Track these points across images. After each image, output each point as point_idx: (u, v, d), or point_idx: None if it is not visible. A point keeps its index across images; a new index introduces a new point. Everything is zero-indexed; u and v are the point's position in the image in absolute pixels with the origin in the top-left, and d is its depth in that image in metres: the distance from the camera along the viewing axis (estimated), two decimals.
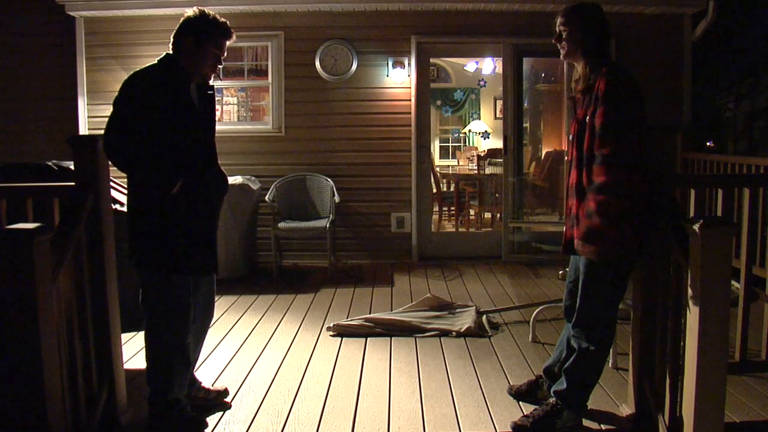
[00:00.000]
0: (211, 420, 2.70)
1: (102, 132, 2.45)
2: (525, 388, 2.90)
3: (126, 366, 2.94)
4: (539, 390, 2.86)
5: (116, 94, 2.44)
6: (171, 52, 2.56)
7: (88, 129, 5.90)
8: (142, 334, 3.60)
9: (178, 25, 2.58)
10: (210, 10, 2.57)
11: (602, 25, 2.52)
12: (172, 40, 2.57)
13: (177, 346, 2.57)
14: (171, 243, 2.47)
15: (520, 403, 2.83)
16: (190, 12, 2.57)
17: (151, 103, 2.41)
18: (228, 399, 2.90)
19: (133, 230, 2.51)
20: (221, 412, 2.77)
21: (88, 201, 2.47)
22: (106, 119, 2.45)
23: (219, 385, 2.97)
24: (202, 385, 2.89)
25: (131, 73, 2.49)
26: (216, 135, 2.70)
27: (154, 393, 2.57)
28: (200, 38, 2.52)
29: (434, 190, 7.23)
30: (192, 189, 2.51)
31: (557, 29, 2.64)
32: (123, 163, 2.44)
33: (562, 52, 2.65)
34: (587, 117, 2.39)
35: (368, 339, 3.73)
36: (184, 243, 2.51)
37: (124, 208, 3.10)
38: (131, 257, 2.53)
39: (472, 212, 7.50)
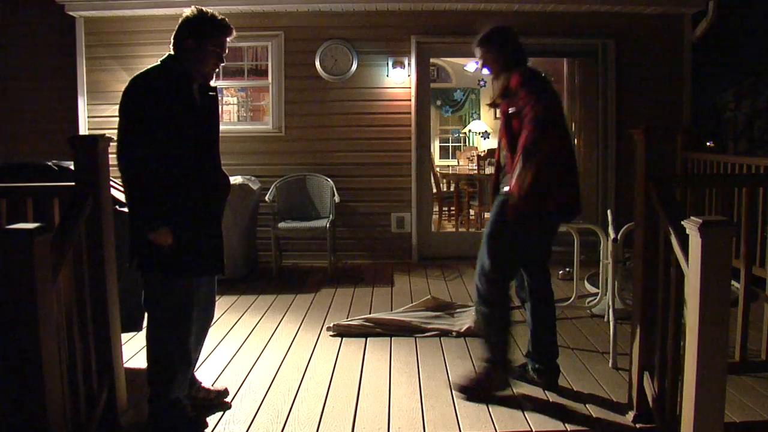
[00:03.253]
0: (211, 420, 2.70)
1: (116, 143, 2.42)
2: (519, 373, 3.12)
3: (126, 366, 2.94)
4: (527, 373, 3.10)
5: (122, 102, 2.41)
6: (172, 53, 2.55)
7: (88, 129, 5.90)
8: (142, 334, 3.61)
9: (177, 26, 2.58)
10: (208, 9, 2.57)
11: (514, 43, 2.97)
12: (172, 41, 2.57)
13: (179, 347, 2.57)
14: (174, 245, 2.46)
15: (521, 402, 2.83)
16: (188, 12, 2.56)
17: (158, 106, 2.40)
18: (228, 399, 2.90)
19: (135, 232, 2.49)
20: (221, 412, 2.77)
21: (88, 201, 2.47)
22: (116, 127, 2.41)
23: (219, 385, 2.97)
24: (202, 385, 2.89)
25: (133, 77, 2.46)
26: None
27: (155, 393, 2.56)
28: (200, 38, 2.51)
29: (434, 190, 7.23)
30: (200, 192, 2.53)
31: (480, 58, 3.04)
32: (140, 182, 2.41)
33: (492, 74, 3.04)
34: (510, 109, 2.87)
35: (368, 339, 3.73)
36: (187, 245, 2.50)
37: (125, 209, 3.11)
38: (132, 259, 2.53)
39: (472, 212, 7.50)
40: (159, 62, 2.53)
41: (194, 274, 2.57)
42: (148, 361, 2.60)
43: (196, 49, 2.51)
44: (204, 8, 2.57)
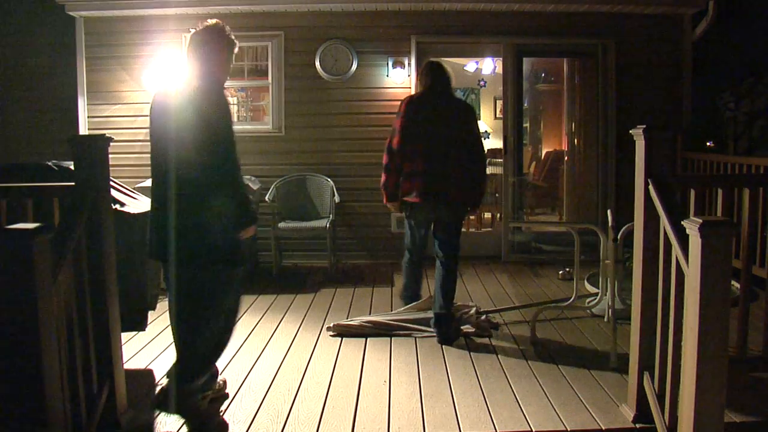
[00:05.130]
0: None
1: (224, 151, 2.56)
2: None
3: (126, 366, 2.94)
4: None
5: (216, 111, 2.55)
6: (201, 63, 2.66)
7: (88, 129, 5.89)
8: (142, 334, 3.62)
9: (205, 37, 2.69)
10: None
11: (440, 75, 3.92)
12: (201, 50, 2.67)
13: (230, 334, 2.77)
14: (239, 240, 2.67)
15: (520, 402, 2.83)
16: (211, 23, 2.74)
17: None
18: (228, 391, 2.98)
19: (214, 233, 2.57)
20: (222, 411, 2.77)
21: (88, 201, 2.47)
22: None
23: (220, 378, 3.00)
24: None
25: (209, 87, 2.59)
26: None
27: (187, 379, 2.57)
28: (230, 48, 2.78)
29: None
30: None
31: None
32: (242, 184, 2.66)
33: None
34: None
35: (368, 339, 3.73)
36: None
37: (125, 208, 3.11)
38: (195, 258, 2.59)
39: None
40: (209, 75, 2.66)
41: (245, 263, 2.83)
42: (187, 349, 2.66)
43: (228, 58, 2.80)
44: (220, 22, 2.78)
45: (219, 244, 2.60)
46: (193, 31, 2.75)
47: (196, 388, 2.61)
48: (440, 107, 3.85)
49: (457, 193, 3.76)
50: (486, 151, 8.64)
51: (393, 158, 3.81)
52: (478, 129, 4.04)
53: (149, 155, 2.73)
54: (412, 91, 5.88)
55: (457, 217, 3.90)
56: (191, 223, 2.57)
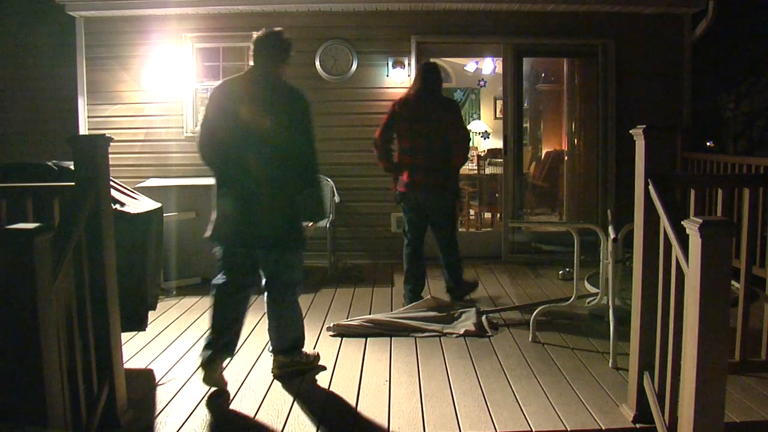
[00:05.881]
0: (211, 420, 2.70)
1: (310, 146, 3.00)
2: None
3: (126, 366, 2.94)
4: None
5: (306, 113, 2.96)
6: (268, 66, 3.02)
7: (88, 129, 5.89)
8: (142, 334, 3.62)
9: (272, 42, 3.02)
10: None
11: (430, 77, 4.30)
12: (268, 54, 3.02)
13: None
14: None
15: (520, 402, 2.83)
16: (278, 30, 3.08)
17: None
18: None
19: (292, 222, 3.02)
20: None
21: (88, 201, 2.47)
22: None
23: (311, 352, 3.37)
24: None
25: (298, 90, 3.03)
26: None
27: (298, 339, 3.20)
28: (289, 54, 3.10)
29: None
30: None
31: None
32: (319, 184, 3.11)
33: None
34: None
35: (368, 339, 3.73)
36: None
37: (125, 208, 3.11)
38: (278, 244, 3.01)
39: (472, 212, 7.50)
40: (279, 77, 3.06)
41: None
42: (291, 330, 3.14)
43: (285, 63, 3.11)
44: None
45: (298, 230, 3.06)
46: (260, 33, 3.06)
47: (299, 337, 3.22)
48: (426, 107, 4.25)
49: (439, 182, 4.25)
50: (486, 151, 8.68)
51: (376, 148, 4.35)
52: (464, 124, 4.41)
53: (207, 146, 2.99)
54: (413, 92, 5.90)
55: (443, 203, 4.36)
56: (281, 214, 2.97)
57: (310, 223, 3.25)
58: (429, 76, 4.26)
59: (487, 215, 7.54)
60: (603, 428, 2.60)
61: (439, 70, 4.35)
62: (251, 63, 3.07)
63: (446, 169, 4.26)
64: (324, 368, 3.29)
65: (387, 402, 2.87)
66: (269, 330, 3.18)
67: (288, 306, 3.15)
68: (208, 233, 3.04)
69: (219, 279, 3.10)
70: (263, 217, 2.95)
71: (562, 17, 5.88)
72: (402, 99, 4.36)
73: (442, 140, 4.22)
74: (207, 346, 2.98)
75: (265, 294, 3.15)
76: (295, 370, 3.18)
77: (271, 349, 3.20)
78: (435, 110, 4.24)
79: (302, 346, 3.25)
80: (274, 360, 3.18)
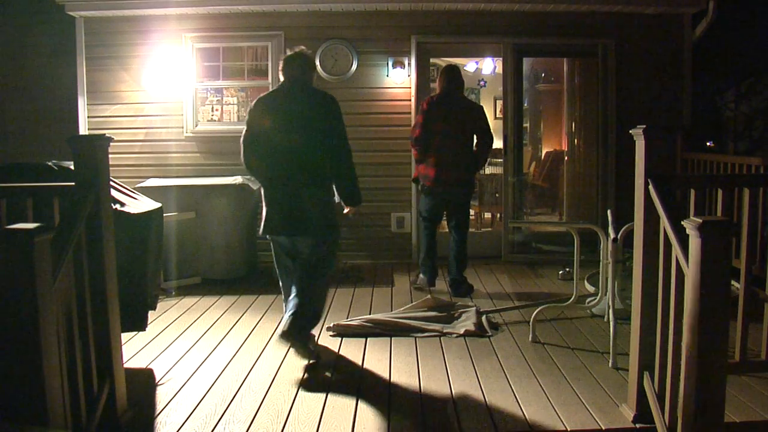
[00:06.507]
0: (212, 419, 2.70)
1: (345, 144, 3.44)
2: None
3: (126, 366, 2.94)
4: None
5: (338, 115, 3.43)
6: (301, 78, 3.44)
7: (88, 129, 5.89)
8: (142, 334, 3.62)
9: (306, 61, 3.48)
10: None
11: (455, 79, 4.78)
12: (301, 68, 3.45)
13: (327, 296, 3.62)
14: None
15: (520, 402, 2.83)
16: (303, 48, 3.52)
17: None
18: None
19: (327, 213, 3.40)
20: (222, 411, 2.77)
21: (88, 201, 2.47)
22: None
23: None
24: None
25: (329, 94, 3.52)
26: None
27: (315, 314, 3.43)
28: (315, 66, 3.75)
29: None
30: None
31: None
32: (354, 172, 3.51)
33: None
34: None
35: (368, 339, 3.73)
36: None
37: (125, 208, 3.11)
38: (315, 235, 3.37)
39: (472, 212, 7.49)
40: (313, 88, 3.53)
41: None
42: (311, 298, 3.35)
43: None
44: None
45: (332, 220, 3.43)
46: (290, 54, 3.48)
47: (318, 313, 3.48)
48: (456, 108, 4.68)
49: (463, 179, 4.71)
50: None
51: (417, 144, 4.71)
52: (488, 123, 4.80)
53: (257, 150, 3.39)
54: (412, 91, 5.91)
55: (464, 198, 4.82)
56: (318, 206, 3.36)
57: (347, 209, 3.57)
58: (455, 78, 4.72)
59: (487, 215, 7.54)
60: (603, 428, 2.60)
61: (460, 72, 4.82)
62: (281, 78, 3.49)
63: (470, 167, 4.75)
64: (316, 364, 3.33)
65: (387, 402, 2.87)
66: (294, 298, 3.35)
67: (318, 285, 3.44)
68: (260, 230, 3.47)
69: (276, 263, 3.62)
70: (302, 210, 3.34)
71: (562, 17, 5.88)
72: (432, 99, 4.71)
73: (468, 140, 4.72)
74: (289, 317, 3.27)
75: (300, 274, 3.43)
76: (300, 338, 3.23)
77: (291, 312, 3.28)
78: (464, 112, 4.70)
79: (317, 324, 3.49)
80: (283, 333, 3.20)
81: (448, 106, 4.65)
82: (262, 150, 3.38)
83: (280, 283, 3.62)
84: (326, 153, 3.37)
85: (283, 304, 3.51)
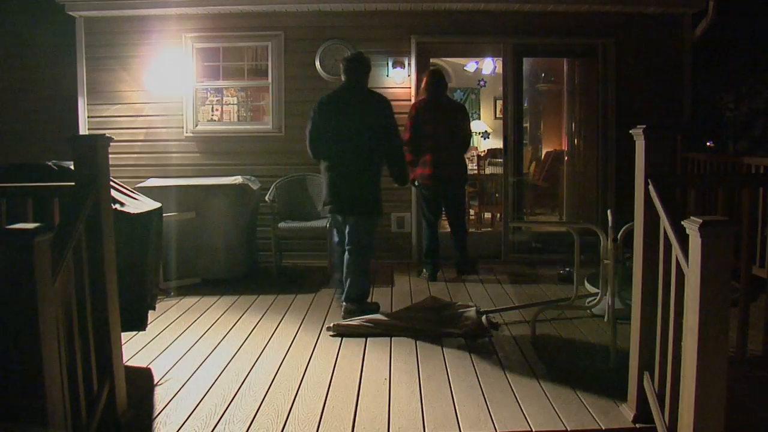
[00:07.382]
0: (212, 419, 2.70)
1: (395, 134, 4.26)
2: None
3: (126, 366, 2.94)
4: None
5: (391, 111, 4.16)
6: (360, 79, 4.18)
7: (88, 129, 5.89)
8: (142, 334, 3.63)
9: (360, 60, 4.20)
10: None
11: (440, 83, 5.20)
12: (360, 70, 4.17)
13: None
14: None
15: (520, 402, 2.83)
16: (361, 51, 4.35)
17: None
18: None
19: (368, 196, 4.11)
20: (222, 411, 2.77)
21: (88, 201, 2.47)
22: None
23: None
24: None
25: (382, 95, 4.30)
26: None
27: (362, 292, 4.16)
28: (370, 68, 4.32)
29: None
30: None
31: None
32: (403, 156, 4.41)
33: None
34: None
35: (368, 339, 3.73)
36: None
37: (125, 208, 3.11)
38: (361, 213, 4.13)
39: (472, 212, 7.50)
40: (369, 88, 4.29)
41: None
42: (355, 275, 4.09)
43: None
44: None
45: (372, 203, 4.14)
46: (350, 56, 4.35)
47: (363, 290, 4.20)
48: (444, 111, 5.08)
49: (457, 174, 5.17)
50: (486, 151, 8.69)
51: (408, 146, 4.95)
52: (469, 124, 5.35)
53: (321, 141, 4.14)
54: (412, 91, 5.91)
55: (460, 191, 5.33)
56: (362, 190, 4.10)
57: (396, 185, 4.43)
58: (440, 82, 5.11)
59: (487, 215, 7.54)
60: (603, 428, 2.60)
61: (444, 75, 5.23)
62: (343, 78, 4.21)
63: (461, 162, 5.25)
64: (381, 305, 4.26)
65: (387, 402, 2.87)
66: (344, 280, 4.16)
67: (360, 262, 4.12)
68: (321, 207, 4.33)
69: (335, 237, 4.48)
70: (349, 192, 4.08)
71: (562, 17, 5.88)
72: (420, 104, 5.11)
73: (457, 138, 5.13)
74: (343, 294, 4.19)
75: (346, 252, 4.17)
76: (363, 312, 4.07)
77: (342, 298, 4.15)
78: (451, 113, 5.13)
79: (367, 297, 4.21)
80: (344, 308, 4.12)
81: (435, 110, 5.05)
82: (325, 141, 4.10)
83: (332, 251, 4.64)
84: (378, 144, 4.07)
85: (335, 274, 4.62)
